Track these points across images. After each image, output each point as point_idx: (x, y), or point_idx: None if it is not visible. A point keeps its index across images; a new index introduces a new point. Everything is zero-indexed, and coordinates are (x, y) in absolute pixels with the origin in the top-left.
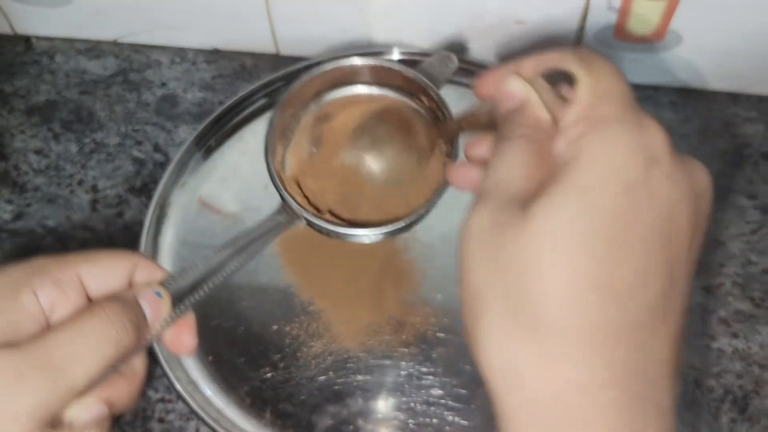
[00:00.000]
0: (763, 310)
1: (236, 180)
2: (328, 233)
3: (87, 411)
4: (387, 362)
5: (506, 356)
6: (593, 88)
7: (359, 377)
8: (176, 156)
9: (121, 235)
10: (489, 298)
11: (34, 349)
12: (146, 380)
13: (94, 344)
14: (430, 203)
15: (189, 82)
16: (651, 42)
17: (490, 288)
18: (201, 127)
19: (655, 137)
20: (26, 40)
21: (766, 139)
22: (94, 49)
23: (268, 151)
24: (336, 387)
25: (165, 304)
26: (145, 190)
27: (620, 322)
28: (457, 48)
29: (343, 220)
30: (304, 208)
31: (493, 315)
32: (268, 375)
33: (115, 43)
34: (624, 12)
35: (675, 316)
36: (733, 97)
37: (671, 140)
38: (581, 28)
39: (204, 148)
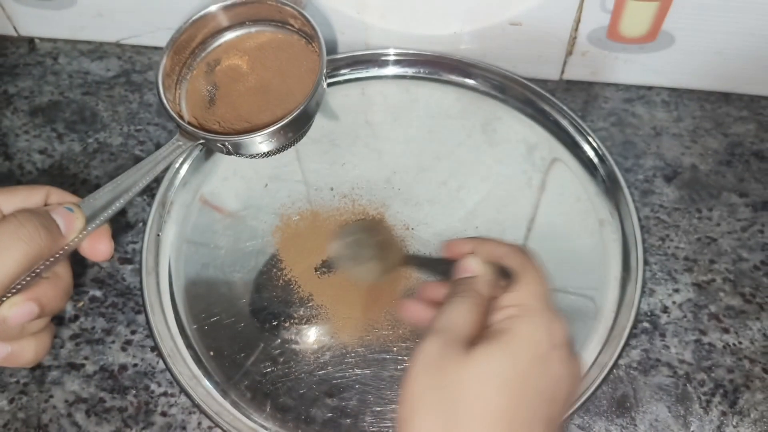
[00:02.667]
0: (754, 306)
1: (236, 179)
2: (226, 148)
3: (17, 307)
4: (385, 357)
5: None
6: (527, 286)
7: (357, 371)
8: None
9: (124, 233)
10: (423, 405)
11: None
12: (72, 285)
13: (8, 242)
14: (307, 98)
15: None
16: (644, 42)
17: (426, 398)
18: None
19: (560, 331)
20: (30, 41)
21: (758, 138)
22: (96, 50)
23: (160, 90)
24: (335, 381)
25: (77, 218)
26: (147, 189)
27: None
28: (454, 48)
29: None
30: (198, 129)
31: (424, 419)
32: (268, 370)
33: (117, 45)
34: (617, 13)
35: None
36: (725, 97)
37: (569, 336)
38: (575, 29)
39: (205, 148)
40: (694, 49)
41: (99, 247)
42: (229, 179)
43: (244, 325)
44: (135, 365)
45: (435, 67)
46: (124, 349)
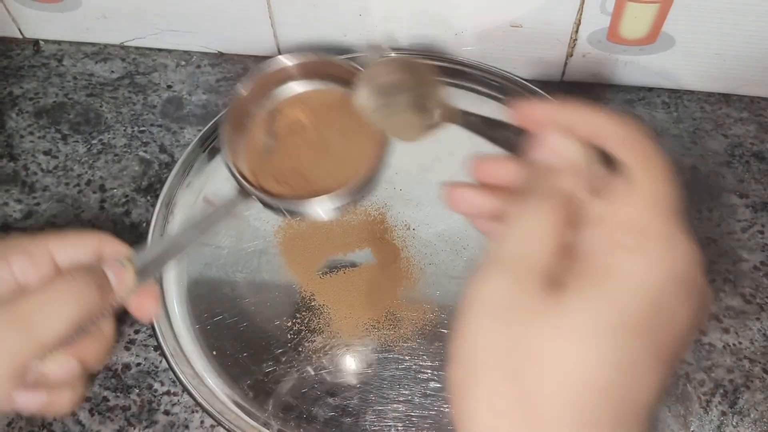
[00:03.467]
0: (754, 306)
1: None
2: (284, 211)
3: (60, 365)
4: (386, 356)
5: (490, 429)
6: (647, 193)
7: (359, 371)
8: (181, 156)
9: (128, 234)
10: (487, 371)
11: (8, 308)
12: (115, 342)
13: (60, 302)
14: (371, 170)
15: (194, 85)
16: (644, 44)
17: (493, 362)
18: (205, 128)
19: (684, 258)
20: (35, 43)
21: (758, 139)
22: (101, 52)
23: (224, 147)
24: (336, 380)
25: (128, 273)
26: (151, 190)
27: (608, 427)
28: (455, 49)
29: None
30: (257, 189)
31: (487, 389)
32: (271, 369)
33: (121, 47)
34: (617, 15)
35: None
36: (725, 98)
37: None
38: (576, 31)
39: (208, 149)
40: (694, 50)
41: (145, 305)
42: (232, 180)
43: (246, 324)
44: (138, 364)
45: (436, 68)
46: (127, 349)
